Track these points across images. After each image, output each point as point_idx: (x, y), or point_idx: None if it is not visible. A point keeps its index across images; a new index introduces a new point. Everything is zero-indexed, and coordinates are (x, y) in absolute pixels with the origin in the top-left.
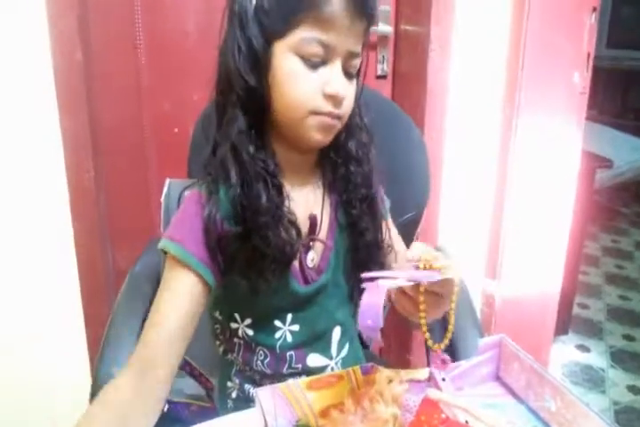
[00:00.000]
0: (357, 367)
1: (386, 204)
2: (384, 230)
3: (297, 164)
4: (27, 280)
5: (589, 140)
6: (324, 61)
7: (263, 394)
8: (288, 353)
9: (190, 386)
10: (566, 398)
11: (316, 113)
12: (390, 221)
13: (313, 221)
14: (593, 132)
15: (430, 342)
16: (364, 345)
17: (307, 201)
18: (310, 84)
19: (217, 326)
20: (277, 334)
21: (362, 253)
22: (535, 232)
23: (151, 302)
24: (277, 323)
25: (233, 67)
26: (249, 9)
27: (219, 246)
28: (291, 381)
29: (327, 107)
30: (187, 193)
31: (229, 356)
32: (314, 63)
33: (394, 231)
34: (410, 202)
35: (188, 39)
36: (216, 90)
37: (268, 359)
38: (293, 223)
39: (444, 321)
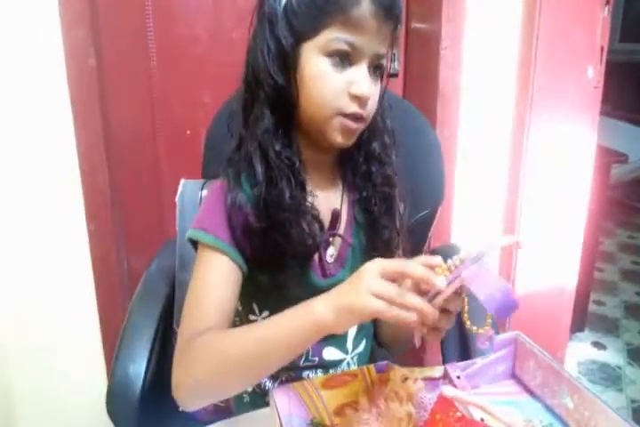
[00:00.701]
0: (372, 366)
1: (400, 208)
2: (400, 230)
3: (320, 161)
4: (42, 282)
5: (604, 134)
6: (350, 62)
7: (278, 393)
8: None
9: None
10: (584, 395)
11: (341, 113)
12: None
13: (335, 217)
14: (608, 127)
15: (474, 328)
16: (380, 344)
17: (328, 197)
18: (337, 85)
19: (236, 318)
20: None
21: (378, 251)
22: (550, 229)
23: (166, 302)
24: None
25: (262, 66)
26: (278, 10)
27: (245, 237)
28: (306, 380)
29: (352, 107)
30: (211, 185)
31: None
32: (341, 64)
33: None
34: (424, 200)
35: (198, 44)
36: (244, 87)
37: None
38: (317, 218)
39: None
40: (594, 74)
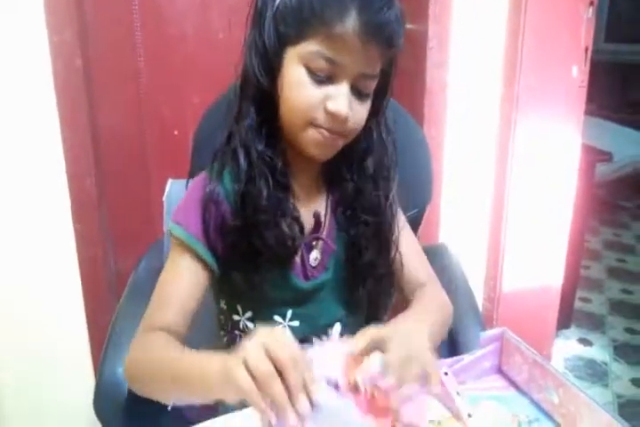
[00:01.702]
0: None
1: (400, 215)
2: (391, 250)
3: (305, 164)
4: (29, 283)
5: (589, 134)
6: (330, 78)
7: None
8: None
9: None
10: (569, 389)
11: (314, 125)
12: (406, 231)
13: (317, 219)
14: (593, 127)
15: None
16: None
17: (312, 201)
18: (312, 97)
19: (221, 316)
20: (276, 316)
21: (358, 266)
22: (536, 227)
23: None
24: (277, 318)
25: (249, 64)
26: (269, 11)
27: (219, 234)
28: None
29: (327, 123)
30: (195, 178)
31: (232, 348)
32: (319, 78)
33: (408, 241)
34: (412, 199)
35: (186, 44)
36: (239, 83)
37: None
38: (297, 220)
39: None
40: (578, 73)
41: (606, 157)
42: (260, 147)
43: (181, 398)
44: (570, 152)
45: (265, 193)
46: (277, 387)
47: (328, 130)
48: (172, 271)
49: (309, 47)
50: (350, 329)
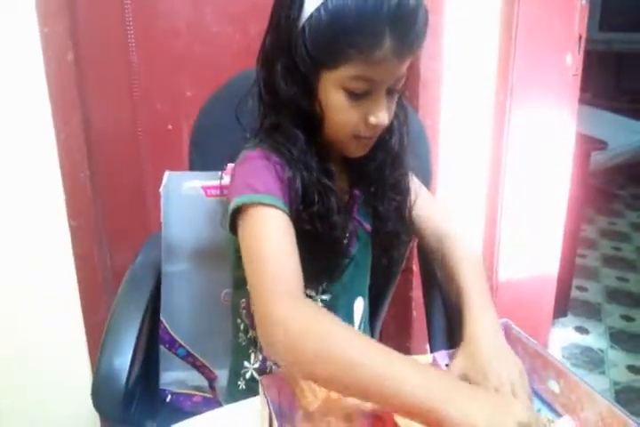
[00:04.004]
0: None
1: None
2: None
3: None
4: (24, 280)
5: (584, 123)
6: (368, 92)
7: (268, 382)
8: None
9: (193, 378)
10: (570, 379)
11: (357, 137)
12: (423, 190)
13: (354, 200)
14: (588, 116)
15: None
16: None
17: (341, 179)
18: (354, 115)
19: (243, 300)
20: None
21: (382, 237)
22: (531, 216)
23: (152, 295)
24: (309, 292)
25: (285, 89)
26: (300, 33)
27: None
28: None
29: (369, 132)
30: (247, 153)
31: (251, 333)
32: (358, 96)
33: (426, 198)
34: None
35: (179, 37)
36: (262, 101)
37: None
38: (342, 211)
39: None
40: (572, 62)
41: (601, 145)
42: (314, 164)
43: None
44: (564, 141)
45: (335, 209)
46: None
47: (370, 138)
48: (268, 233)
49: (347, 72)
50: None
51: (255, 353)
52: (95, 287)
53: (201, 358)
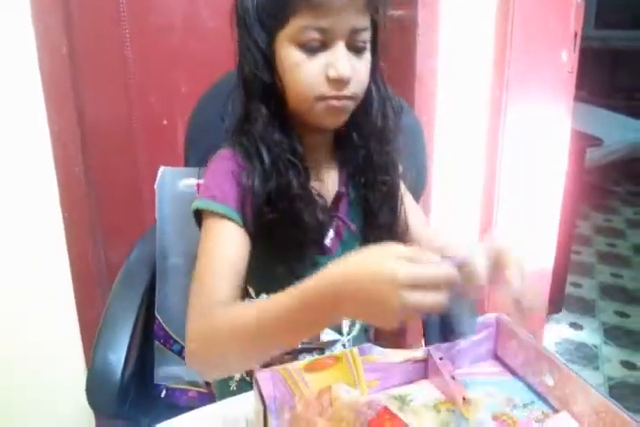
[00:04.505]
0: (355, 348)
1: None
2: (400, 211)
3: (318, 144)
4: (18, 276)
5: (580, 120)
6: (324, 45)
7: (262, 376)
8: None
9: (188, 373)
10: (563, 372)
11: (322, 98)
12: (408, 194)
13: (338, 198)
14: (583, 113)
15: None
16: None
17: (328, 179)
18: (313, 71)
19: None
20: None
21: (374, 233)
22: (527, 212)
23: (147, 290)
24: None
25: (247, 66)
26: (250, 9)
27: (253, 213)
28: (289, 364)
29: (332, 91)
30: (218, 154)
31: None
32: (313, 49)
33: (410, 203)
34: (407, 186)
35: (174, 31)
36: (240, 85)
37: None
38: (324, 206)
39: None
40: (568, 59)
41: (596, 141)
42: (278, 138)
43: (282, 347)
44: (560, 137)
45: (296, 183)
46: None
47: (335, 97)
48: (214, 242)
49: (296, 24)
50: None
51: None
52: (90, 283)
53: None
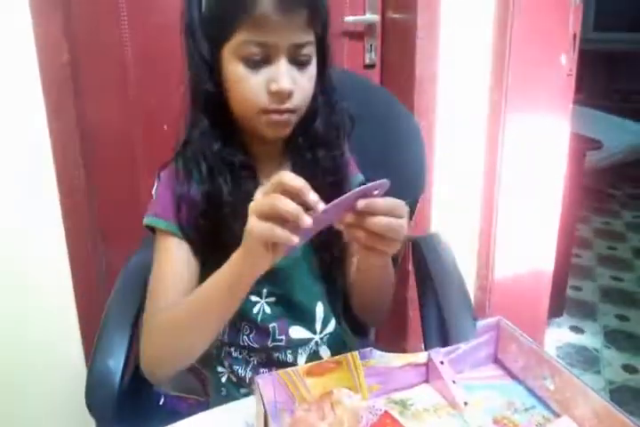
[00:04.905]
0: (356, 353)
1: (356, 178)
2: None
3: (268, 151)
4: (19, 280)
5: (579, 123)
6: (265, 60)
7: (263, 381)
8: (270, 325)
9: (186, 380)
10: (564, 376)
11: (264, 112)
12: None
13: None
14: (582, 116)
15: None
16: (363, 334)
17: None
18: (255, 85)
19: None
20: (255, 309)
21: (327, 235)
22: (527, 215)
23: (145, 296)
24: (253, 298)
25: (191, 73)
26: (195, 19)
27: (193, 227)
28: (290, 368)
29: (273, 104)
30: (164, 171)
31: (217, 340)
32: (255, 63)
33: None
34: (406, 189)
35: (174, 35)
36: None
37: (252, 333)
38: None
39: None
40: (567, 61)
41: (596, 145)
42: (217, 147)
43: (217, 325)
44: (559, 140)
45: (226, 190)
46: (282, 201)
47: (277, 111)
48: (165, 259)
49: (238, 39)
50: (333, 310)
51: (224, 359)
52: (90, 287)
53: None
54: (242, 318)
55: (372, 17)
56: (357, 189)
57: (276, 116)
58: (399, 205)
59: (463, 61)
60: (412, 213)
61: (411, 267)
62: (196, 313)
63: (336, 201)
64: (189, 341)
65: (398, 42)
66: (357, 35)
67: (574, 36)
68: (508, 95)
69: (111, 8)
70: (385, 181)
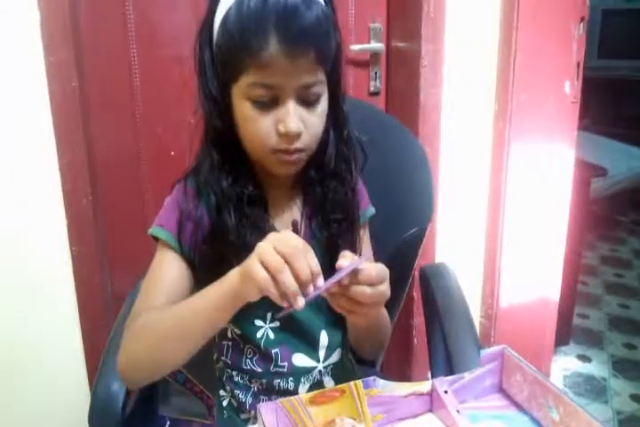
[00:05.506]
0: (360, 381)
1: (368, 211)
2: (358, 245)
3: (279, 183)
4: (25, 306)
5: (584, 149)
6: (273, 101)
7: (265, 410)
8: (273, 351)
9: (192, 404)
10: (569, 406)
11: (274, 151)
12: (366, 232)
13: (295, 229)
14: (588, 142)
15: None
16: (370, 364)
17: (287, 212)
18: (264, 126)
19: None
20: (259, 334)
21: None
22: (532, 243)
23: None
24: (258, 322)
25: (203, 109)
26: (206, 60)
27: (196, 245)
28: (294, 397)
29: (283, 144)
30: (176, 186)
31: (221, 362)
32: (263, 105)
33: (365, 238)
34: (413, 217)
35: (181, 64)
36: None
37: (256, 357)
38: None
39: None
40: (571, 89)
41: (601, 172)
42: (226, 183)
43: (198, 339)
44: (564, 168)
45: (232, 223)
46: (285, 275)
47: (286, 151)
48: (158, 268)
49: (246, 80)
50: (338, 339)
51: (226, 382)
52: (96, 312)
53: (199, 384)
54: (246, 341)
55: (378, 45)
56: (351, 265)
57: (285, 156)
58: (381, 272)
59: (468, 89)
60: (420, 241)
61: (415, 294)
62: (180, 321)
63: (332, 279)
64: (168, 347)
65: (403, 70)
66: (363, 63)
67: (578, 64)
68: (512, 123)
69: (121, 38)
70: (370, 257)
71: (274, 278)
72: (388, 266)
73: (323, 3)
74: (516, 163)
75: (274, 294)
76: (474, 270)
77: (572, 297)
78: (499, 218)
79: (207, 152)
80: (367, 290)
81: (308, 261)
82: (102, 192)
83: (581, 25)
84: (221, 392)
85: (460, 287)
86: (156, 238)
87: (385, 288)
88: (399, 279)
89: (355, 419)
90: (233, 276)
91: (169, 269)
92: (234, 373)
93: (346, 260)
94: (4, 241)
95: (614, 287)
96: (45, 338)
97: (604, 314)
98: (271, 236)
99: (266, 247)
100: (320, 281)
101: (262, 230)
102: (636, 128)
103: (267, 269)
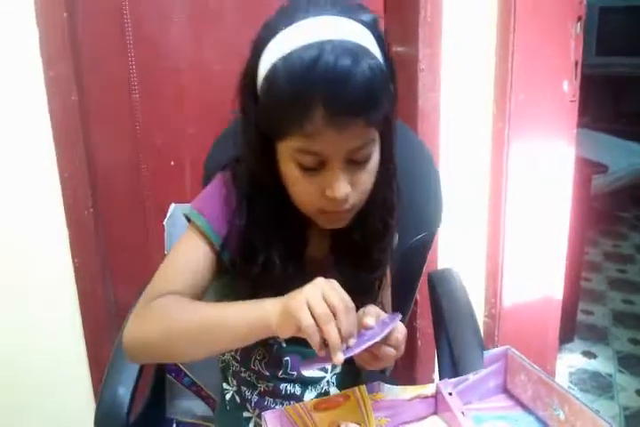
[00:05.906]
0: (364, 386)
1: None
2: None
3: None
4: (28, 318)
5: (585, 147)
6: (320, 166)
7: (270, 417)
8: (284, 358)
9: (198, 407)
10: (574, 405)
11: (322, 212)
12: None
13: (323, 268)
14: (588, 139)
15: None
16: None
17: (315, 246)
18: (310, 189)
19: None
20: (272, 340)
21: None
22: (534, 241)
23: None
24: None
25: (248, 161)
26: (250, 108)
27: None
28: (299, 403)
29: (331, 206)
30: (223, 175)
31: (227, 356)
32: (311, 170)
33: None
34: (421, 222)
35: (180, 76)
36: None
37: (265, 360)
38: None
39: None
40: (569, 88)
41: (602, 168)
42: (268, 233)
43: (216, 349)
44: (564, 166)
45: (279, 274)
46: (332, 328)
47: (334, 212)
48: (184, 252)
49: (291, 144)
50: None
51: (231, 376)
52: (99, 323)
53: (205, 388)
54: (257, 343)
55: None
56: (387, 328)
57: (333, 215)
58: (404, 335)
59: (466, 92)
60: (428, 246)
61: (418, 296)
62: (203, 329)
63: (371, 341)
64: (181, 348)
65: (400, 74)
66: None
67: (576, 63)
68: (511, 123)
69: (119, 51)
70: (399, 315)
71: (319, 327)
72: (396, 271)
73: (377, 54)
74: (515, 163)
75: (317, 343)
76: (476, 270)
77: (575, 294)
78: (500, 217)
79: (263, 209)
80: (393, 352)
81: (350, 319)
82: (103, 204)
83: (578, 24)
84: (225, 385)
85: (465, 291)
86: (188, 219)
87: (402, 348)
88: (407, 284)
89: (359, 424)
90: (271, 307)
91: (196, 255)
92: (242, 369)
93: (371, 317)
94: (7, 253)
95: (618, 283)
96: (49, 349)
97: (608, 310)
98: (321, 282)
99: (315, 293)
100: (352, 340)
101: (298, 272)
102: (636, 124)
103: (313, 315)
